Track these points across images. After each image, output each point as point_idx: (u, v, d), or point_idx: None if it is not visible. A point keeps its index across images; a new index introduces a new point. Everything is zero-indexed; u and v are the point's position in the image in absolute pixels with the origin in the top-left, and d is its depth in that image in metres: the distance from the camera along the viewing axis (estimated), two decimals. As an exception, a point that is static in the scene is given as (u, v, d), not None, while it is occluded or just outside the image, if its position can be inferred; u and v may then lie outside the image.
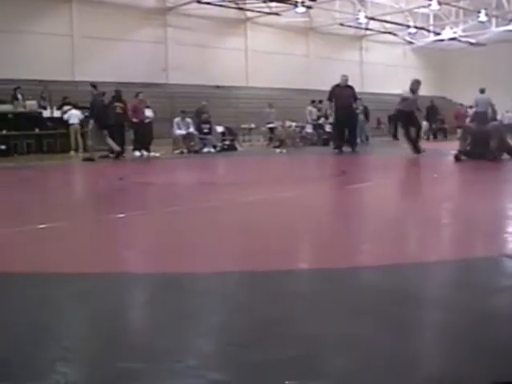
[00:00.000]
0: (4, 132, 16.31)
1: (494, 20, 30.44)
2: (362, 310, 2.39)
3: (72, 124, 17.15)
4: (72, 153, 16.91)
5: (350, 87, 14.90)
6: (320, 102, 21.96)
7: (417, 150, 12.56)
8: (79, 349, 2.08)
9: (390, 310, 2.38)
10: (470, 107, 28.40)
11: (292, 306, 2.49)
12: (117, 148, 13.93)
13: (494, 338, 2.06)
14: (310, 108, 22.01)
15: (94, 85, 15.06)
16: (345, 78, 14.87)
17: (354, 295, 2.63)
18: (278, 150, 16.71)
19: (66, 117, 17.32)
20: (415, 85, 13.06)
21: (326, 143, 20.47)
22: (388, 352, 1.95)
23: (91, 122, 14.54)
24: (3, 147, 15.94)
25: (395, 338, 2.06)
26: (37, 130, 17.31)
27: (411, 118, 12.97)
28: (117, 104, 15.42)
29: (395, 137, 22.17)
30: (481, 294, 2.60)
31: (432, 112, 23.88)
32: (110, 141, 13.90)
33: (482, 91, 20.02)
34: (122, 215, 5.11)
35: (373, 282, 2.89)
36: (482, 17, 28.29)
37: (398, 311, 2.37)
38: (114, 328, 2.27)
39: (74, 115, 17.28)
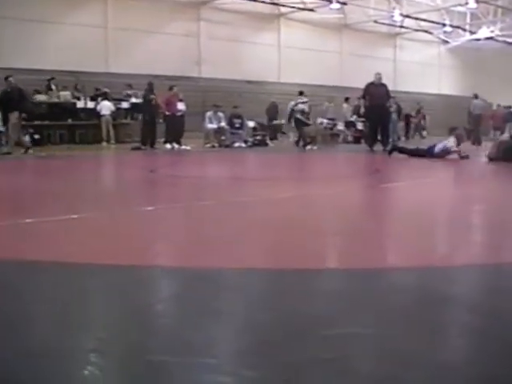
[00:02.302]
0: (38, 122, 16.49)
1: (532, 20, 29.89)
2: (394, 312, 2.35)
3: (103, 115, 17.29)
4: (104, 144, 17.04)
5: (384, 85, 14.79)
6: (346, 99, 21.83)
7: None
8: (111, 341, 2.06)
9: (421, 313, 2.35)
10: (510, 107, 27.92)
11: (323, 306, 2.47)
12: (28, 144, 13.70)
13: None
14: (345, 105, 21.86)
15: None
16: (379, 75, 14.76)
17: (385, 296, 2.59)
18: (308, 147, 16.61)
19: (98, 108, 17.49)
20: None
21: (357, 141, 20.31)
22: (419, 354, 1.91)
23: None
24: (37, 136, 16.11)
25: (426, 341, 2.03)
26: (70, 121, 17.47)
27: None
28: (152, 96, 15.62)
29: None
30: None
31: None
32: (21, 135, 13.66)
33: (476, 97, 20.51)
34: (151, 208, 5.11)
35: (404, 284, 2.84)
36: (521, 16, 27.82)
37: (429, 314, 2.32)
38: (146, 321, 2.26)
39: (106, 106, 17.43)
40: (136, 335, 2.09)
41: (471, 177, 9.23)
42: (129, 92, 19.29)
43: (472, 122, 20.00)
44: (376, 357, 1.94)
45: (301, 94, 17.80)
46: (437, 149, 11.44)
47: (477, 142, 18.85)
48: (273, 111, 21.35)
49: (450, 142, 11.55)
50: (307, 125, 16.93)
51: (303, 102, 17.06)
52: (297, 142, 17.45)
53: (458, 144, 11.64)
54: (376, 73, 14.88)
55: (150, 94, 15.78)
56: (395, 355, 1.91)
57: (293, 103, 17.62)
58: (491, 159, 10.71)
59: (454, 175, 9.70)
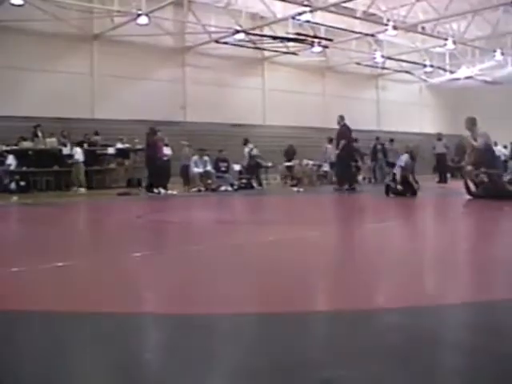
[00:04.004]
0: (24, 169, 16.52)
1: (509, 59, 30.53)
2: (382, 354, 2.38)
3: (76, 161, 17.39)
4: (75, 189, 17.10)
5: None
6: (330, 140, 22.33)
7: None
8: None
9: (410, 354, 2.37)
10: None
11: (310, 349, 2.48)
12: None
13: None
14: (329, 146, 22.11)
15: None
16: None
17: (372, 338, 2.61)
18: (295, 189, 16.72)
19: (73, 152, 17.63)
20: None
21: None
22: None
23: None
24: (23, 183, 16.13)
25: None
26: (56, 167, 17.53)
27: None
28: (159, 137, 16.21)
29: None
30: (502, 338, 2.59)
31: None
32: None
33: (440, 138, 21.72)
34: (137, 254, 5.12)
35: (392, 325, 2.87)
36: (498, 56, 28.44)
37: (419, 355, 2.35)
38: (130, 371, 2.26)
39: (79, 152, 17.47)
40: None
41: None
42: (120, 137, 19.49)
43: (436, 161, 21.06)
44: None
45: (246, 141, 19.50)
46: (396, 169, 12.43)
47: (443, 180, 19.66)
48: (291, 153, 22.03)
49: (403, 159, 12.50)
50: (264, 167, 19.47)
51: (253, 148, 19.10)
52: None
53: (412, 159, 12.43)
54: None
55: (154, 136, 15.90)
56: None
57: (247, 150, 19.42)
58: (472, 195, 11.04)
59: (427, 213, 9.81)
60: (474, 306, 3.18)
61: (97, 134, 19.17)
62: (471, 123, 11.70)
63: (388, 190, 12.44)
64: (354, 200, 13.42)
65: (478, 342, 2.55)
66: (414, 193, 12.06)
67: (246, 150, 19.22)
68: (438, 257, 4.99)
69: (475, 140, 11.36)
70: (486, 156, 11.25)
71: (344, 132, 15.60)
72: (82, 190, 17.06)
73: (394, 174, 12.36)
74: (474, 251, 5.34)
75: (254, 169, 18.45)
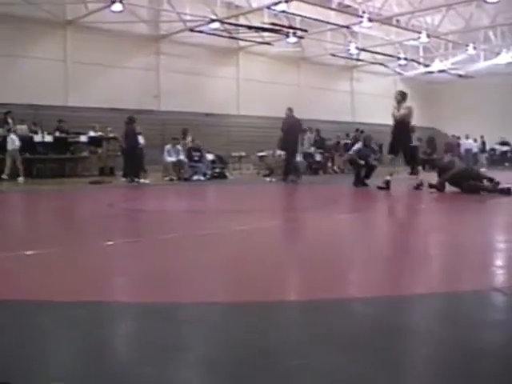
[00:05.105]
0: (-7, 156, 16.22)
1: (482, 53, 30.90)
2: (351, 343, 2.42)
3: (9, 149, 16.37)
4: (4, 177, 16.19)
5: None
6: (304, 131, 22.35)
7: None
8: (64, 378, 2.08)
9: (377, 344, 2.41)
10: (459, 138, 28.84)
11: (281, 338, 2.51)
12: None
13: (481, 373, 2.10)
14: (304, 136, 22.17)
15: None
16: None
17: (343, 327, 2.66)
18: (267, 179, 16.76)
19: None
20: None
21: (315, 172, 20.65)
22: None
23: None
24: (-8, 171, 15.85)
25: (383, 373, 2.09)
26: (27, 155, 17.28)
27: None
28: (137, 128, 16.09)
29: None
30: (468, 328, 2.65)
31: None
32: None
33: (413, 131, 22.48)
34: (110, 243, 5.12)
35: (362, 314, 2.92)
36: (471, 50, 28.74)
37: (386, 345, 2.40)
38: (100, 359, 2.28)
39: (12, 140, 16.47)
40: (89, 373, 2.12)
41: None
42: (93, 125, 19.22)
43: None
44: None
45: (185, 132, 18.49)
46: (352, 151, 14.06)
47: (414, 172, 19.92)
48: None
49: (356, 147, 13.98)
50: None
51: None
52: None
53: (366, 146, 13.76)
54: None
55: (133, 125, 15.89)
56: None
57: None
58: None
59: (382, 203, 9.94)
60: (438, 297, 3.25)
61: (61, 121, 18.83)
62: (401, 97, 12.28)
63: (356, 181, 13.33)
64: (325, 191, 13.52)
65: (441, 332, 2.61)
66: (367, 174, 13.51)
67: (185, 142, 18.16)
68: (404, 247, 5.07)
69: (398, 111, 12.06)
70: (401, 126, 11.96)
71: (294, 124, 15.93)
72: (21, 179, 16.23)
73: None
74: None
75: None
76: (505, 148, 31.64)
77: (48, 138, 17.94)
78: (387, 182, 11.88)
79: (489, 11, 25.24)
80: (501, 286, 3.45)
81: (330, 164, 23.17)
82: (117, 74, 22.97)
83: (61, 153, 18.18)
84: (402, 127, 12.02)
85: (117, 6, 19.85)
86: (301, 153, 21.15)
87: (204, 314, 2.93)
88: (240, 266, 4.07)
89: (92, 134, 19.05)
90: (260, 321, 2.78)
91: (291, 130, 15.84)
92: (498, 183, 10.36)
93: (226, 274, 3.87)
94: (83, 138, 18.82)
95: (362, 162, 13.51)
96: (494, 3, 22.01)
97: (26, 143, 17.26)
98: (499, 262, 4.36)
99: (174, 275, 3.79)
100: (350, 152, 14.24)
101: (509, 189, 10.00)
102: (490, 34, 28.64)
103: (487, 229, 6.42)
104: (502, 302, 3.20)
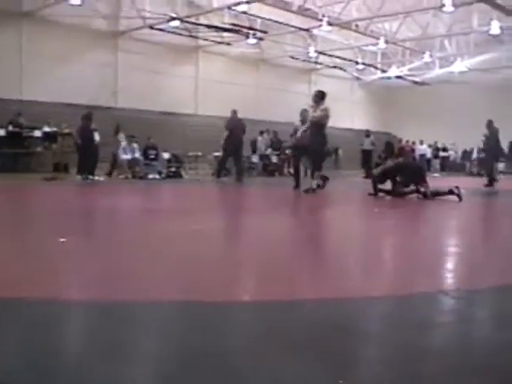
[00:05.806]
0: None
1: (437, 61, 31.53)
2: (298, 344, 2.46)
3: None
4: None
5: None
6: (261, 132, 22.35)
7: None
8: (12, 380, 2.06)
9: (325, 345, 2.45)
10: (414, 143, 29.37)
11: (227, 338, 2.52)
12: None
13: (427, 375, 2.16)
14: (260, 138, 22.32)
15: None
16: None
17: (290, 328, 2.69)
18: (224, 179, 16.76)
19: None
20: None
21: (271, 174, 20.77)
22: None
23: None
24: None
25: (329, 374, 2.12)
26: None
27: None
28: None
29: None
30: (415, 330, 2.71)
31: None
32: None
33: (368, 135, 23.17)
34: (63, 240, 5.04)
35: (311, 316, 2.96)
36: (427, 58, 29.34)
37: (333, 346, 2.44)
38: (46, 358, 2.26)
39: None
40: (36, 373, 2.11)
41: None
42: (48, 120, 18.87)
43: (363, 157, 21.84)
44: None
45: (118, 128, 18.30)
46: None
47: (370, 175, 20.24)
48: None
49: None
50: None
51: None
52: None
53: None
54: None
55: (90, 122, 15.72)
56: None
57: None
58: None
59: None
60: (390, 300, 3.31)
61: (19, 114, 18.51)
62: (320, 97, 11.77)
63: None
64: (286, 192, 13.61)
65: (387, 333, 2.67)
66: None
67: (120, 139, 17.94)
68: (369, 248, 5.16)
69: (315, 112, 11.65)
70: (316, 128, 11.60)
71: (237, 125, 16.31)
72: None
73: None
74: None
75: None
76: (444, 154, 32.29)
77: (1, 132, 17.58)
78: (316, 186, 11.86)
79: (445, 20, 25.78)
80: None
81: (286, 166, 23.30)
82: (74, 68, 22.63)
83: (14, 147, 17.85)
84: (316, 129, 11.58)
85: (75, 0, 19.57)
86: (258, 154, 21.29)
87: (150, 313, 2.93)
88: (191, 265, 4.07)
89: (47, 129, 18.75)
90: (208, 321, 2.79)
91: (234, 130, 16.04)
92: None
93: (175, 272, 3.86)
94: (37, 133, 18.50)
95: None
96: (450, 13, 22.48)
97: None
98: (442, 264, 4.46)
99: (123, 273, 3.77)
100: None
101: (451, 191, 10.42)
102: (446, 42, 29.25)
103: (428, 232, 6.56)
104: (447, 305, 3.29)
